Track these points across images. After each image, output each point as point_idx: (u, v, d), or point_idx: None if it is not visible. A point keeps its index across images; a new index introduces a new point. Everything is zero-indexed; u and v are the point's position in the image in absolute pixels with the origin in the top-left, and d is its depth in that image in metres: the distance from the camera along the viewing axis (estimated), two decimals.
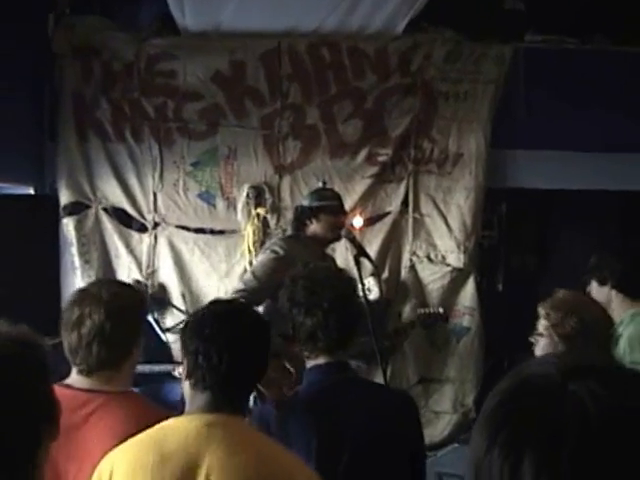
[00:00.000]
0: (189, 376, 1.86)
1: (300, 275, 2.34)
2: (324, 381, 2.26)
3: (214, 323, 1.83)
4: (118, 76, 5.10)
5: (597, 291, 3.42)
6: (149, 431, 1.80)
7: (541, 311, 2.48)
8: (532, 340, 2.48)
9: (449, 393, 5.11)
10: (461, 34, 5.00)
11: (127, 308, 2.06)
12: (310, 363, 2.31)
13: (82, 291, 2.08)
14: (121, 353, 2.07)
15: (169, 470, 1.72)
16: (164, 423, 1.81)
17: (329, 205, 3.86)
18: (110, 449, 1.84)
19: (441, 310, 4.72)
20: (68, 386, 2.05)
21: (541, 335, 2.45)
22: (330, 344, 2.26)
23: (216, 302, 2.00)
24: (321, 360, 2.28)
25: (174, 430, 1.79)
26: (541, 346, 2.45)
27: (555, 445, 0.70)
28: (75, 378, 2.06)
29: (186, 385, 1.88)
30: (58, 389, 2.00)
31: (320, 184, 4.31)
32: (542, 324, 2.47)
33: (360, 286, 3.59)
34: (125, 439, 1.84)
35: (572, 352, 2.03)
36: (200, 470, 1.71)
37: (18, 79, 4.82)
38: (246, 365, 1.86)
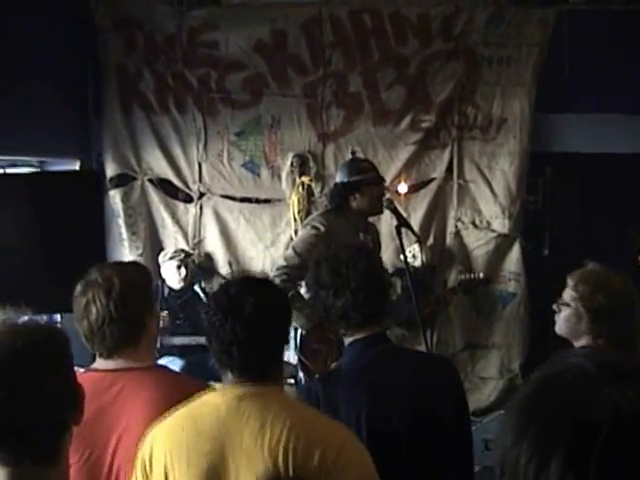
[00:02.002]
0: (212, 355, 1.86)
1: (324, 257, 2.35)
2: (366, 353, 2.27)
3: (221, 315, 1.81)
4: (161, 48, 5.13)
5: None
6: (183, 409, 1.82)
7: (570, 282, 2.40)
8: (555, 308, 2.40)
9: (495, 359, 5.11)
10: None
11: (128, 285, 2.05)
12: (348, 339, 2.32)
13: (84, 281, 2.07)
14: (135, 328, 2.07)
15: (205, 446, 1.73)
16: (198, 399, 1.83)
17: (370, 177, 3.81)
18: (146, 418, 1.88)
19: (481, 275, 4.73)
20: (94, 370, 2.08)
21: (567, 305, 2.37)
22: (363, 321, 2.27)
23: (228, 284, 1.91)
24: (358, 335, 2.29)
25: (207, 406, 1.79)
26: (564, 316, 2.37)
27: (585, 448, 0.69)
28: (99, 362, 2.09)
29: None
30: (85, 373, 2.05)
31: (350, 154, 4.25)
32: (569, 294, 2.38)
33: (402, 256, 3.62)
34: (158, 407, 1.87)
35: (608, 349, 2.00)
36: (234, 444, 1.72)
37: (61, 55, 4.85)
38: (260, 346, 1.83)
